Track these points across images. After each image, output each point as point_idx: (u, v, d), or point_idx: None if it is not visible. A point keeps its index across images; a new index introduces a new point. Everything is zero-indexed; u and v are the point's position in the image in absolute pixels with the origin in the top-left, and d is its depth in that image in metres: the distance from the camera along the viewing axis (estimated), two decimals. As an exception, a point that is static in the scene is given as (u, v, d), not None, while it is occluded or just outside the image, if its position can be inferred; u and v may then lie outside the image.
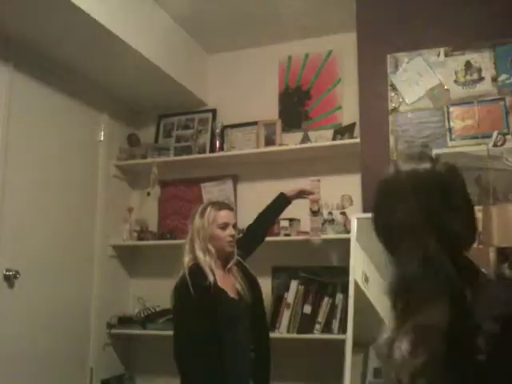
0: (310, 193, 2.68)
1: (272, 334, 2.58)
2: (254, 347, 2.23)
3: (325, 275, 2.91)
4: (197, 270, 2.18)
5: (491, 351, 0.92)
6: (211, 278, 2.15)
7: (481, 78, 2.67)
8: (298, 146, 3.07)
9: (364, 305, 2.56)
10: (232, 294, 2.22)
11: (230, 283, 2.25)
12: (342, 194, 3.10)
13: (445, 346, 0.96)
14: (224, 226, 2.27)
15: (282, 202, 2.62)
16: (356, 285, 2.59)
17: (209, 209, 2.30)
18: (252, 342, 2.22)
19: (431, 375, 0.97)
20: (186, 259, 2.24)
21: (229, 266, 2.29)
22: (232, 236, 2.29)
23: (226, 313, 2.16)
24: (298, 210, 3.11)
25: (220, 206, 2.34)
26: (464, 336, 0.96)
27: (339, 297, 2.78)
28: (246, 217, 3.16)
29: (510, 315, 0.96)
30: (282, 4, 3.01)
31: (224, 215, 2.30)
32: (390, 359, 1.04)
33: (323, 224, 2.96)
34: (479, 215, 2.48)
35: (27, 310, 2.63)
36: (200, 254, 2.22)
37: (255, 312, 2.28)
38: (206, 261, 2.20)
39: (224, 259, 2.30)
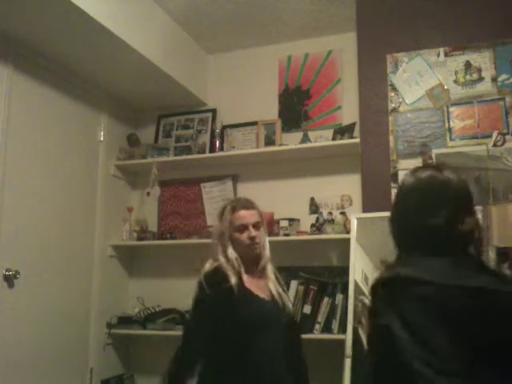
0: None
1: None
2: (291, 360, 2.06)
3: (325, 275, 2.90)
4: (216, 272, 2.02)
5: None
6: (233, 280, 1.97)
7: (481, 78, 2.67)
8: (298, 146, 3.07)
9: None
10: (263, 295, 2.04)
11: (260, 285, 2.08)
12: (342, 194, 3.10)
13: None
14: (242, 228, 2.07)
15: None
16: (356, 285, 2.60)
17: (226, 211, 2.12)
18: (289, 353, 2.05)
19: None
20: (207, 265, 2.08)
21: (259, 267, 2.10)
22: (252, 238, 2.06)
23: (253, 315, 1.99)
24: (298, 209, 3.13)
25: (236, 205, 2.13)
26: None
27: (339, 297, 2.77)
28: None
29: None
30: (281, 4, 3.01)
31: (241, 216, 2.08)
32: None
33: (323, 224, 2.97)
34: (479, 215, 2.48)
35: (27, 310, 2.63)
36: (222, 259, 2.04)
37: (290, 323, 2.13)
38: (228, 266, 2.02)
39: (252, 262, 2.11)
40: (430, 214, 1.24)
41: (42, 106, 2.83)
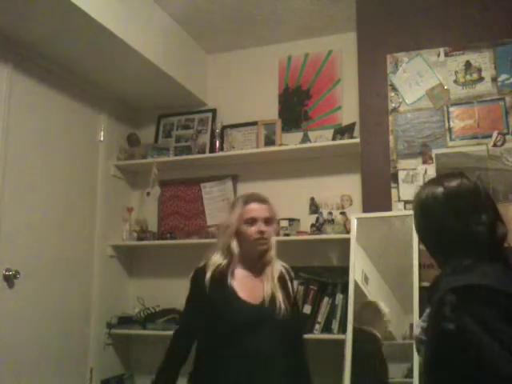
0: None
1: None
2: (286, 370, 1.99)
3: (325, 275, 2.90)
4: (201, 268, 2.03)
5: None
6: (208, 278, 1.95)
7: (481, 78, 2.67)
8: (298, 146, 3.07)
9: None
10: (247, 296, 1.98)
11: (256, 285, 2.02)
12: (342, 194, 3.11)
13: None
14: (251, 222, 2.00)
15: None
16: (356, 285, 2.60)
17: (237, 203, 2.07)
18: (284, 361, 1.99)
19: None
20: (202, 263, 2.06)
21: (261, 265, 2.05)
22: (261, 232, 2.00)
23: (231, 317, 1.95)
24: (298, 209, 3.12)
25: (248, 198, 2.06)
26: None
27: (339, 297, 2.77)
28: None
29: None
30: (281, 4, 3.01)
31: (251, 209, 2.02)
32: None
33: (323, 224, 2.97)
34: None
35: (27, 310, 2.63)
36: (216, 254, 2.02)
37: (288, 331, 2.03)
38: (218, 260, 2.00)
39: (257, 259, 2.05)
40: (474, 221, 1.28)
41: (42, 106, 2.83)
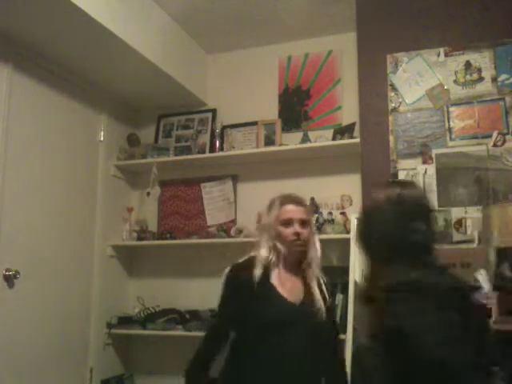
0: None
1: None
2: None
3: (325, 275, 2.90)
4: (245, 261, 2.01)
5: None
6: (258, 272, 1.93)
7: (481, 78, 2.67)
8: (298, 146, 3.07)
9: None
10: (287, 294, 1.97)
11: (295, 286, 2.01)
12: (342, 194, 3.11)
13: None
14: (287, 223, 2.01)
15: None
16: (356, 285, 2.59)
17: (274, 204, 2.07)
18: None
19: None
20: (242, 259, 2.05)
21: (302, 266, 2.04)
22: (296, 234, 2.00)
23: (266, 312, 1.93)
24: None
25: (284, 199, 2.07)
26: None
27: (339, 297, 2.77)
28: (246, 217, 3.17)
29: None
30: (281, 4, 3.01)
31: (287, 210, 2.03)
32: None
33: (323, 224, 2.97)
34: (479, 215, 2.48)
35: (27, 310, 2.63)
36: (262, 251, 2.00)
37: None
38: (265, 256, 1.99)
39: (295, 260, 2.05)
40: (414, 228, 1.37)
41: (42, 106, 2.83)
